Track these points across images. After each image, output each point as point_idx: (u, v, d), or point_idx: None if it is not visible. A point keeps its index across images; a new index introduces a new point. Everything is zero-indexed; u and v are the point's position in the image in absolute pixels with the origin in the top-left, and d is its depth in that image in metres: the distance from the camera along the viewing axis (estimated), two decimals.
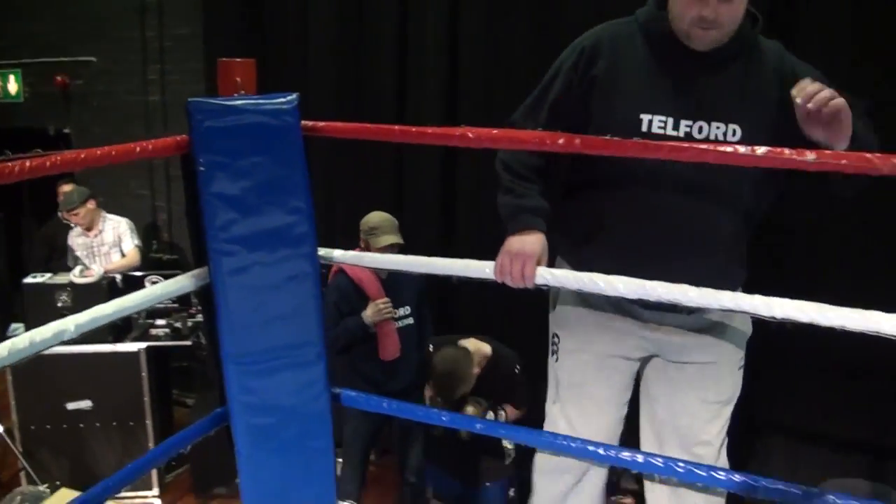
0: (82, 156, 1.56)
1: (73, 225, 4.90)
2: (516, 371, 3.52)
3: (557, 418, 2.14)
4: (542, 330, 2.21)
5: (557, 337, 2.13)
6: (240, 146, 1.77)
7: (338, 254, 2.03)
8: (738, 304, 1.54)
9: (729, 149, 1.48)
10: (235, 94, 1.91)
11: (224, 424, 1.96)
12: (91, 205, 4.84)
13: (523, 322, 3.66)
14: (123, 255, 4.92)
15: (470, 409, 3.38)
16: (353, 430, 3.57)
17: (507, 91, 3.73)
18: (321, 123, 1.89)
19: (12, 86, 6.03)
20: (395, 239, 3.41)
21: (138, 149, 1.66)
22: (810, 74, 1.70)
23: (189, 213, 1.87)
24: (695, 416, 2.04)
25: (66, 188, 5.20)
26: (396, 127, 1.96)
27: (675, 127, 1.86)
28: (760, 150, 1.44)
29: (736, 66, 1.86)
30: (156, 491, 4.32)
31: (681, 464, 1.79)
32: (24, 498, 3.20)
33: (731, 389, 2.06)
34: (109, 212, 4.95)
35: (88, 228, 4.88)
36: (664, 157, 1.52)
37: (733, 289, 1.70)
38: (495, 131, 1.72)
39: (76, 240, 4.94)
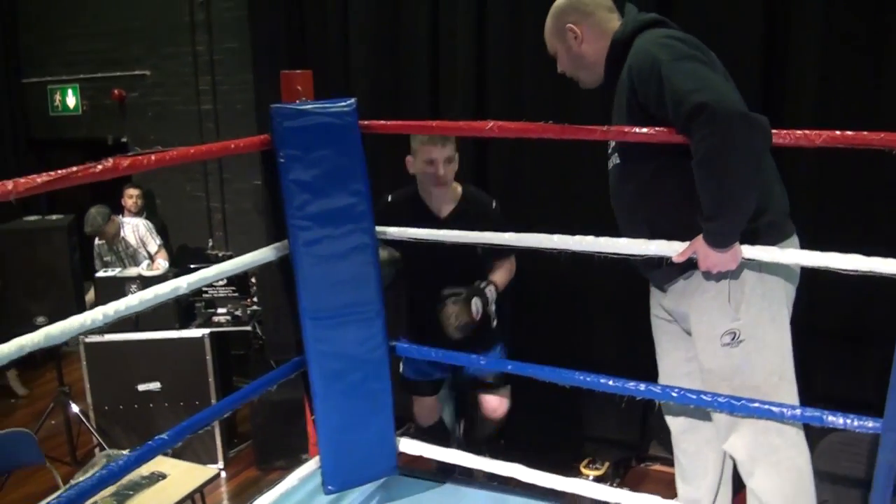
0: (192, 151, 1.98)
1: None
2: (493, 207, 3.21)
3: None
4: None
5: None
6: (311, 141, 2.20)
7: (392, 230, 2.46)
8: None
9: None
10: (297, 101, 2.32)
11: (301, 370, 2.39)
12: (113, 220, 5.21)
13: None
14: (149, 256, 5.26)
15: (450, 310, 2.94)
16: None
17: (533, 90, 4.04)
18: (375, 122, 2.31)
19: (71, 99, 6.48)
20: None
21: (233, 145, 2.09)
22: (643, 68, 2.00)
23: (270, 198, 2.29)
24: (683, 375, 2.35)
25: (133, 191, 5.69)
26: (434, 123, 2.37)
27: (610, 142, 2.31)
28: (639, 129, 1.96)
29: (618, 81, 2.17)
30: (220, 464, 4.56)
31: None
32: (109, 459, 3.56)
33: (713, 362, 2.14)
34: (167, 212, 5.40)
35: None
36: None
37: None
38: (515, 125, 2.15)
39: (102, 246, 5.32)
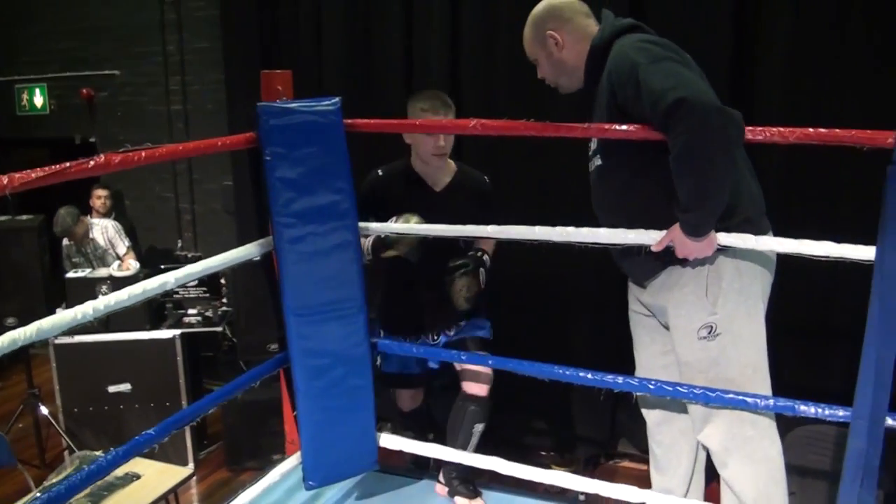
0: (181, 148, 2.00)
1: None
2: (486, 182, 3.10)
3: None
4: None
5: None
6: (296, 140, 2.23)
7: (374, 226, 2.50)
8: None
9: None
10: (277, 100, 2.34)
11: (285, 366, 2.42)
12: (82, 220, 5.16)
13: None
14: (118, 258, 5.21)
15: (461, 283, 2.85)
16: None
17: (507, 90, 4.11)
18: (359, 121, 2.34)
19: (38, 99, 6.41)
20: None
21: (220, 143, 2.11)
22: (622, 72, 2.06)
23: (254, 195, 2.32)
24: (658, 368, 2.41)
25: (101, 192, 5.64)
26: (418, 121, 2.40)
27: (591, 142, 2.35)
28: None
29: (598, 86, 2.24)
30: (191, 465, 4.52)
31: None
32: (82, 461, 3.54)
33: (690, 355, 2.19)
34: (137, 213, 5.37)
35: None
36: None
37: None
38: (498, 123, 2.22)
39: (71, 247, 5.27)
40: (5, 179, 1.51)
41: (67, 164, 1.65)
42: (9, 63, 6.45)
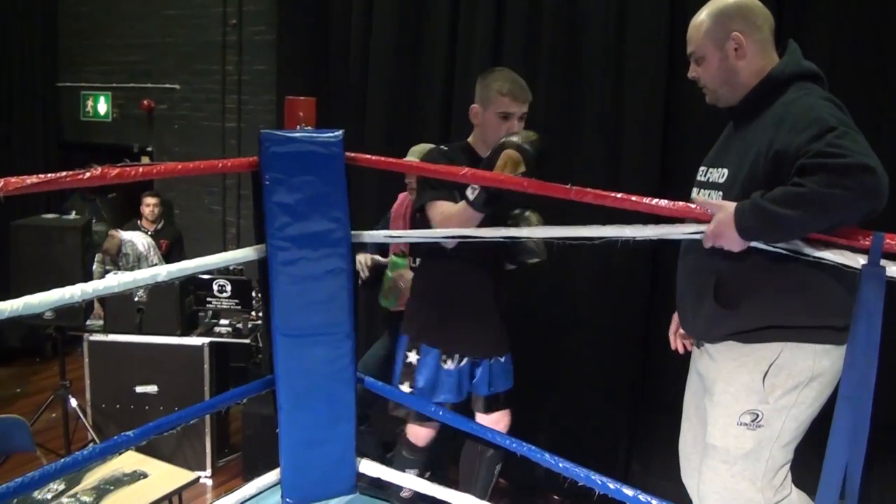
0: (179, 167, 2.12)
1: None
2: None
3: None
4: None
5: None
6: (296, 167, 2.32)
7: (366, 234, 2.58)
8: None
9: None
10: (298, 127, 2.45)
11: (271, 388, 2.50)
12: (112, 236, 5.38)
13: None
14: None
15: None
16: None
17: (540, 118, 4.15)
18: (360, 155, 2.43)
19: (102, 106, 6.71)
20: None
21: (220, 164, 2.22)
22: (804, 118, 1.86)
23: (255, 216, 2.42)
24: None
25: (151, 200, 5.88)
26: (415, 162, 2.46)
27: (703, 174, 2.19)
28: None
29: (755, 120, 2.02)
30: (208, 472, 4.64)
31: None
32: None
33: (723, 439, 2.06)
34: (185, 223, 5.56)
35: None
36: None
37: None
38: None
39: (105, 259, 5.51)
40: (0, 182, 1.63)
41: (63, 174, 1.77)
42: (77, 71, 6.77)
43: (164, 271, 2.12)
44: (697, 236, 1.95)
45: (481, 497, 2.60)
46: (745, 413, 2.01)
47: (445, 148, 2.86)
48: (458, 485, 2.87)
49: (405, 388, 2.80)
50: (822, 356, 1.97)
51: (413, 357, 2.82)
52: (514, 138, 2.37)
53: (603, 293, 3.92)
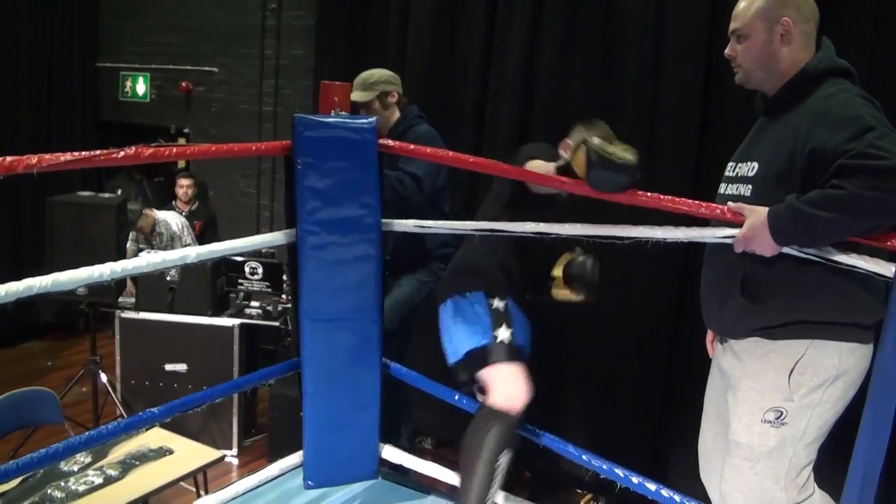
0: (213, 148, 2.14)
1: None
2: None
3: None
4: None
5: None
6: (328, 153, 2.33)
7: (397, 223, 2.57)
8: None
9: None
10: (332, 112, 2.45)
11: (297, 371, 2.51)
12: (146, 215, 5.39)
13: None
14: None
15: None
16: None
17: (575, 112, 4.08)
18: (392, 143, 2.42)
19: (140, 87, 6.77)
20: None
21: (253, 147, 2.23)
22: (840, 116, 1.85)
23: (287, 200, 2.43)
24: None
25: (185, 181, 5.94)
26: (450, 153, 2.44)
27: (731, 169, 2.19)
28: None
29: (788, 114, 2.02)
30: (234, 451, 4.68)
31: None
32: None
33: (746, 436, 2.06)
34: (220, 205, 5.60)
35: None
36: None
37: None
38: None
39: (140, 237, 5.53)
40: (34, 160, 1.65)
41: (98, 152, 1.79)
42: (117, 52, 6.84)
43: (193, 252, 2.13)
44: (728, 240, 1.95)
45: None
46: (769, 410, 2.01)
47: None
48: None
49: (504, 332, 2.44)
50: (847, 354, 1.96)
51: (498, 303, 2.51)
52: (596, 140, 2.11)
53: (632, 294, 3.89)
